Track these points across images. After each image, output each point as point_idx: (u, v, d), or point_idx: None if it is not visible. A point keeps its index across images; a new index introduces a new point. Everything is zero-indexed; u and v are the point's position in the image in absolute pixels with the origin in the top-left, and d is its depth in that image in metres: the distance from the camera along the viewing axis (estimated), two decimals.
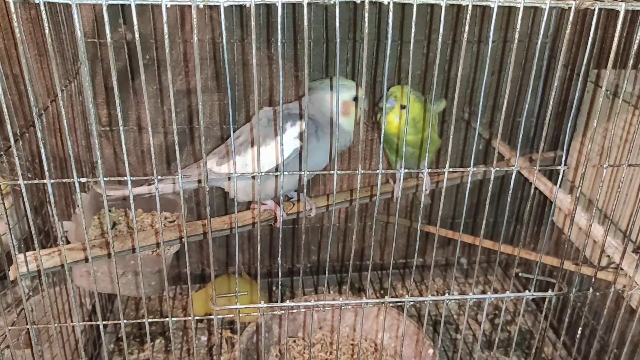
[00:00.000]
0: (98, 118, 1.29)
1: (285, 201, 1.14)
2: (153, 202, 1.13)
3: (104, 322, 0.76)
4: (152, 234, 0.99)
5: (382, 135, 0.74)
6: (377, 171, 0.72)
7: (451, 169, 0.72)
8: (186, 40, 1.22)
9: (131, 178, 0.66)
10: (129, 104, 1.28)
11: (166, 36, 0.59)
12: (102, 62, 1.22)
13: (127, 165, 0.65)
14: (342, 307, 0.85)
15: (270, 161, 1.00)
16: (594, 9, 0.64)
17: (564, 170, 0.75)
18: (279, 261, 0.77)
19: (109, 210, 1.25)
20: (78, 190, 0.67)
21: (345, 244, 1.56)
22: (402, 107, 1.08)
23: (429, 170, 0.74)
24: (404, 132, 0.70)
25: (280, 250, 0.78)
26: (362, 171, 0.71)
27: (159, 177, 0.67)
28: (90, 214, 1.21)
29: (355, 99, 1.07)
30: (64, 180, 0.67)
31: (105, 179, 0.66)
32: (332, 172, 0.70)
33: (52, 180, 0.66)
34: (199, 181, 1.05)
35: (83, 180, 0.66)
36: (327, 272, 0.84)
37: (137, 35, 0.59)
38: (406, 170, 0.74)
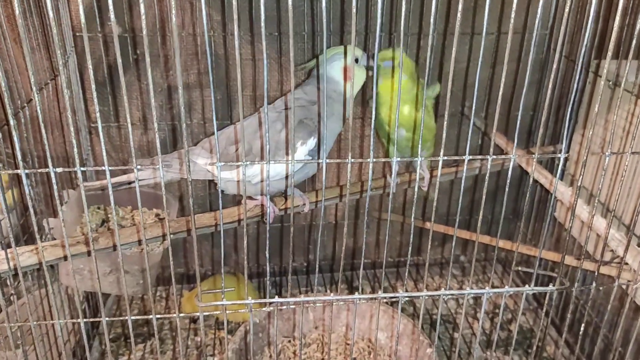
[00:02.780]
0: (87, 114, 1.26)
1: (277, 196, 1.11)
2: (143, 198, 1.10)
3: (84, 320, 0.73)
4: (137, 231, 0.96)
5: (373, 120, 0.70)
6: (369, 160, 0.69)
7: (446, 157, 0.69)
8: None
9: (109, 168, 0.63)
10: (119, 99, 1.25)
11: (144, 24, 0.56)
12: (91, 56, 1.19)
13: (104, 154, 0.62)
14: (335, 304, 0.82)
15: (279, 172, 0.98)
16: None
17: (565, 158, 0.72)
18: (267, 255, 0.74)
19: (98, 208, 1.22)
20: (54, 180, 0.64)
21: (338, 242, 1.53)
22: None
23: (423, 158, 0.71)
24: (396, 108, 0.67)
25: (268, 246, 0.75)
26: (353, 160, 0.68)
27: (139, 167, 0.64)
28: (78, 210, 1.17)
29: (357, 60, 1.04)
30: (40, 171, 0.64)
31: (82, 168, 0.63)
32: (320, 160, 0.67)
33: (27, 171, 0.63)
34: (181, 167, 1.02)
35: (59, 170, 0.63)
36: (317, 266, 0.81)
37: (114, 28, 0.56)
38: (400, 159, 0.70)
